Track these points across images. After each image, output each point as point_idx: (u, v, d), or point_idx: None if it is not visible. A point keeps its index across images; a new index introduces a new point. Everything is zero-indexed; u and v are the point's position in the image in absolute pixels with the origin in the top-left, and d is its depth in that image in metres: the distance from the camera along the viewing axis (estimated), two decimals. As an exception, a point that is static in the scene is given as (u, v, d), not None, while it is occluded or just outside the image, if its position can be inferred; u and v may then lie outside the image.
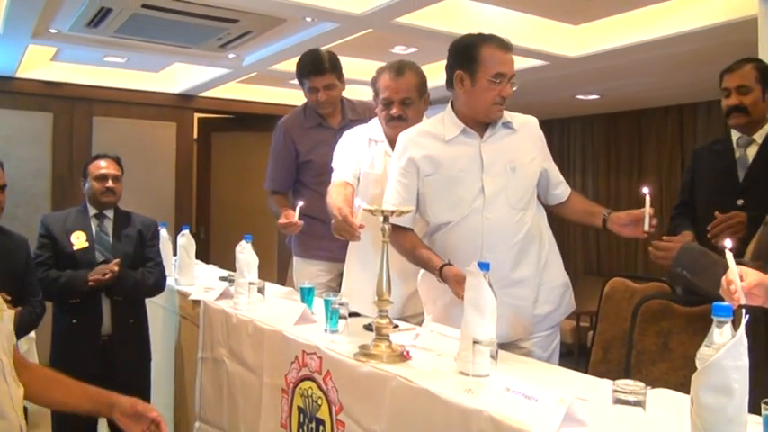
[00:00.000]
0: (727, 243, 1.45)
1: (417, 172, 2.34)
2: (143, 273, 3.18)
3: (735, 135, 2.65)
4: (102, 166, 3.21)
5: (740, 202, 2.43)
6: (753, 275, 1.50)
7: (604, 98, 6.98)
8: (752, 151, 2.57)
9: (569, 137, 8.33)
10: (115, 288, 3.05)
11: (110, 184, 3.19)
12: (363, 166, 2.78)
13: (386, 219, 1.93)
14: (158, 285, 3.25)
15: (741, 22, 3.84)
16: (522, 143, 2.36)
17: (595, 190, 7.95)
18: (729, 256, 1.43)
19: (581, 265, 7.98)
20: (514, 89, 2.28)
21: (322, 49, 3.33)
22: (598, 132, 8.10)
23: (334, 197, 2.62)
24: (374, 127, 2.81)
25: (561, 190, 2.46)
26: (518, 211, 2.28)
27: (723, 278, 1.50)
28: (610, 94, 6.67)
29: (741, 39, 3.92)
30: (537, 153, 2.39)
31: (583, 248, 8.04)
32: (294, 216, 2.85)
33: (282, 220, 2.93)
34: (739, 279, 1.44)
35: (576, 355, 6.76)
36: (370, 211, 1.98)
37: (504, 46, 2.28)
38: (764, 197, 2.37)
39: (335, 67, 3.19)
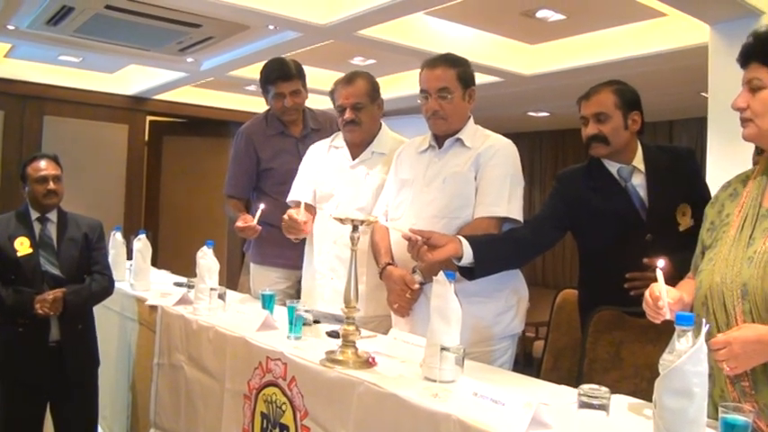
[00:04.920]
0: (660, 263, 1.54)
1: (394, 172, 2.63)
2: (89, 284, 3.10)
3: (611, 166, 2.40)
4: (42, 168, 3.09)
5: (649, 236, 2.32)
6: (673, 292, 1.63)
7: (554, 115, 7.18)
8: (637, 180, 2.37)
9: (519, 151, 8.52)
10: (66, 313, 2.96)
11: (51, 185, 3.08)
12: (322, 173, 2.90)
13: (355, 228, 1.97)
14: (105, 291, 3.17)
15: (692, 49, 4.03)
16: (467, 159, 2.43)
17: (542, 203, 8.14)
18: (659, 275, 1.53)
19: (526, 276, 8.10)
20: (443, 102, 2.37)
21: (284, 56, 3.37)
22: (546, 148, 8.34)
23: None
24: (338, 136, 2.94)
25: (476, 210, 2.42)
26: (440, 219, 2.37)
27: (647, 292, 1.60)
28: (559, 111, 6.87)
29: (691, 64, 4.13)
30: (478, 171, 2.42)
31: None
32: (252, 220, 2.92)
33: (240, 224, 2.98)
34: (666, 295, 1.56)
35: (521, 364, 6.89)
36: (340, 220, 2.02)
37: (427, 63, 2.44)
38: (669, 226, 2.33)
39: (301, 74, 3.24)
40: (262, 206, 2.89)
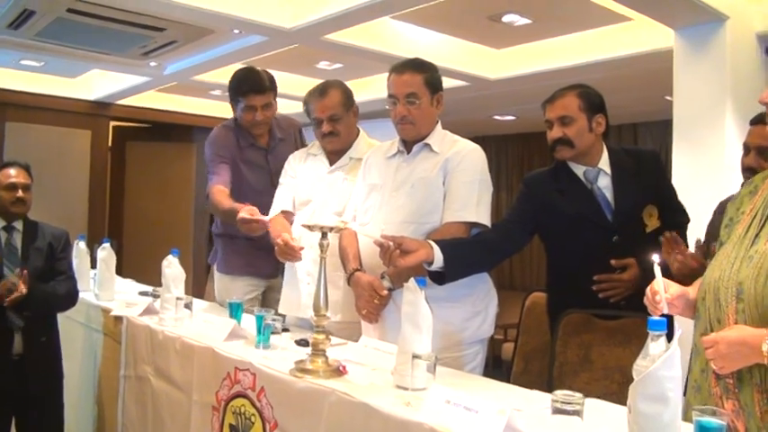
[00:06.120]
0: (656, 258, 1.55)
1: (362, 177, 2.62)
2: (53, 285, 3.05)
3: (576, 169, 2.43)
4: (12, 175, 3.06)
5: (615, 238, 2.34)
6: (675, 288, 1.64)
7: (520, 119, 7.23)
8: (603, 182, 2.39)
9: (485, 155, 8.55)
10: (25, 302, 2.88)
11: (20, 193, 3.05)
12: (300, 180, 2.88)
13: (324, 235, 1.95)
14: (70, 297, 3.12)
15: (657, 53, 4.09)
16: (435, 165, 2.43)
17: (508, 206, 8.18)
18: (657, 270, 1.54)
19: (495, 280, 8.12)
20: (411, 107, 2.38)
21: (256, 67, 3.21)
22: (512, 151, 8.40)
23: (275, 226, 2.73)
24: (315, 144, 2.93)
25: (445, 216, 2.42)
26: (409, 224, 2.37)
27: (648, 288, 1.61)
28: (525, 115, 6.91)
29: (656, 68, 4.18)
30: (446, 176, 2.42)
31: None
32: (257, 212, 2.62)
33: (245, 215, 2.61)
34: (663, 290, 1.56)
35: (490, 366, 6.90)
36: (308, 227, 2.00)
37: (395, 68, 2.44)
38: (636, 228, 2.35)
39: (274, 87, 3.12)
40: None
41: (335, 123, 2.73)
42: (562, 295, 2.49)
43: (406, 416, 1.54)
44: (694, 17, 3.41)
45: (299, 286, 2.79)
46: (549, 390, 2.07)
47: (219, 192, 2.95)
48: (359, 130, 2.89)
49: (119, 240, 7.21)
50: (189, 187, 7.46)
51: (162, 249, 2.82)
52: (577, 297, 2.36)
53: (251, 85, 3.05)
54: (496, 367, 6.68)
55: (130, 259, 6.82)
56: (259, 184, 3.08)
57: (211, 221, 3.23)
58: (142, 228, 7.44)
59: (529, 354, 2.95)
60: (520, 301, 3.05)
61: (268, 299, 3.24)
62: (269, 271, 3.09)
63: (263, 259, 2.87)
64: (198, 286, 5.77)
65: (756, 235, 1.54)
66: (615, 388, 2.21)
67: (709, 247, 2.28)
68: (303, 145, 3.24)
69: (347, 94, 2.79)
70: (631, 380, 1.27)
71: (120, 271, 3.92)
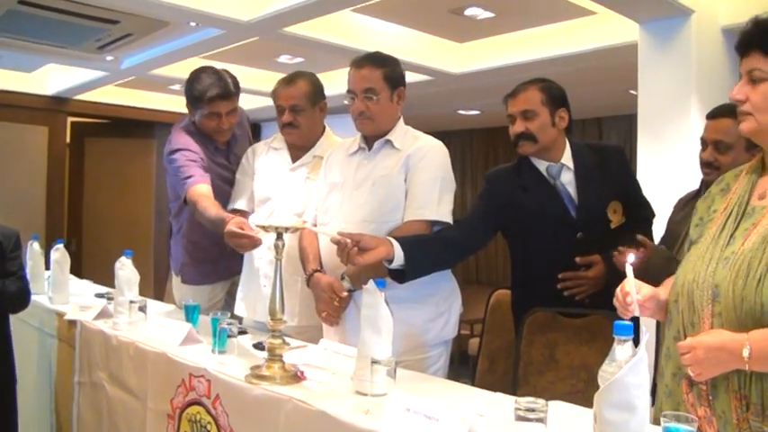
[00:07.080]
0: (630, 258, 1.51)
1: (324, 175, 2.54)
2: (4, 283, 2.94)
3: (539, 164, 2.40)
4: None
5: (580, 234, 2.31)
6: (646, 289, 1.58)
7: (484, 113, 7.21)
8: (566, 178, 2.37)
9: (449, 150, 8.51)
10: None
11: None
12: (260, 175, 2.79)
13: (279, 236, 1.88)
14: (22, 296, 3.00)
15: (621, 47, 4.08)
16: (396, 162, 2.37)
17: (474, 201, 8.18)
18: (629, 270, 1.49)
19: (461, 275, 8.16)
20: (369, 103, 2.32)
21: (216, 66, 2.96)
22: (477, 146, 8.38)
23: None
24: (277, 137, 2.84)
25: (406, 214, 2.35)
26: (370, 223, 2.31)
27: (618, 289, 1.56)
28: (490, 109, 6.88)
29: (620, 62, 4.17)
30: (407, 174, 2.37)
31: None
32: (250, 228, 2.22)
33: (233, 228, 2.25)
34: (635, 292, 1.51)
35: (456, 363, 6.88)
36: (263, 227, 1.93)
37: (354, 62, 2.38)
38: (600, 224, 2.33)
39: (238, 90, 2.90)
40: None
41: (297, 115, 2.65)
42: (526, 293, 2.46)
43: (365, 425, 1.49)
44: (659, 11, 3.41)
45: (256, 289, 2.71)
46: (515, 390, 2.04)
47: (203, 196, 2.64)
48: (324, 128, 2.80)
49: (78, 240, 7.06)
50: (149, 184, 7.31)
51: (122, 249, 2.73)
52: (542, 295, 2.33)
53: (218, 91, 2.79)
54: (463, 363, 6.65)
55: (90, 259, 6.68)
56: (217, 186, 2.83)
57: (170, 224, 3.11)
58: (102, 227, 7.27)
59: (494, 353, 2.91)
60: (486, 296, 3.02)
61: (232, 291, 3.14)
62: (236, 268, 2.93)
63: (229, 259, 2.77)
64: (159, 287, 5.65)
65: (731, 235, 1.48)
66: (581, 386, 2.19)
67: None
68: (253, 133, 3.14)
69: (316, 88, 2.70)
70: (597, 378, 1.23)
71: (80, 272, 3.81)
